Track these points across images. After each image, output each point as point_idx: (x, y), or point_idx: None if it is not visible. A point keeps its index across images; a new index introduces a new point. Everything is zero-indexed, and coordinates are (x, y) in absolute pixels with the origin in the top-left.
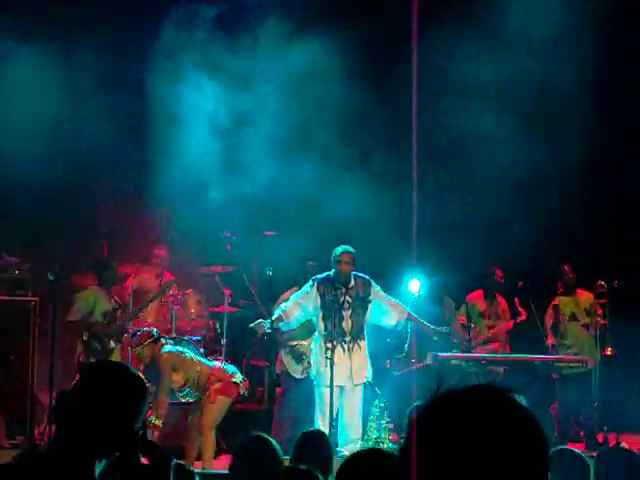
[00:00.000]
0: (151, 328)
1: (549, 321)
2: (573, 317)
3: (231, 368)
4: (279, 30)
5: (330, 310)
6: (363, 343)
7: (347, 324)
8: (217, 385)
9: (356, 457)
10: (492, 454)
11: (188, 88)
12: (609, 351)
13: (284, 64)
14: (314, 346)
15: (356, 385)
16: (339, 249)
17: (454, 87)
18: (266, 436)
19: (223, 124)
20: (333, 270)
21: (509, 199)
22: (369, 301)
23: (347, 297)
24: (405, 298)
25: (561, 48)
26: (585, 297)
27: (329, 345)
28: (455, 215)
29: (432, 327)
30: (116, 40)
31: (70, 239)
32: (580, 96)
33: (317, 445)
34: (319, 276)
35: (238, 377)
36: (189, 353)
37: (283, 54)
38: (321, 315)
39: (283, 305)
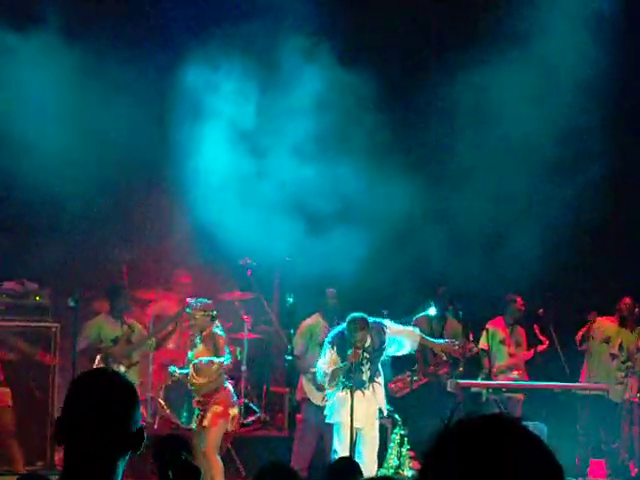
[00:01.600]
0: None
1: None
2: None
3: (234, 398)
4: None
5: (348, 369)
6: (380, 379)
7: (366, 375)
8: (218, 409)
9: None
10: None
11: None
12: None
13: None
14: (333, 391)
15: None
16: (351, 318)
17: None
18: (285, 464)
19: (245, 152)
20: (346, 328)
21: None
22: (385, 348)
23: (365, 354)
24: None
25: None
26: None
27: (349, 393)
28: (479, 241)
29: (440, 343)
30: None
31: (91, 265)
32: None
33: (350, 473)
34: (333, 335)
35: (234, 411)
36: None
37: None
38: (340, 370)
39: (322, 369)
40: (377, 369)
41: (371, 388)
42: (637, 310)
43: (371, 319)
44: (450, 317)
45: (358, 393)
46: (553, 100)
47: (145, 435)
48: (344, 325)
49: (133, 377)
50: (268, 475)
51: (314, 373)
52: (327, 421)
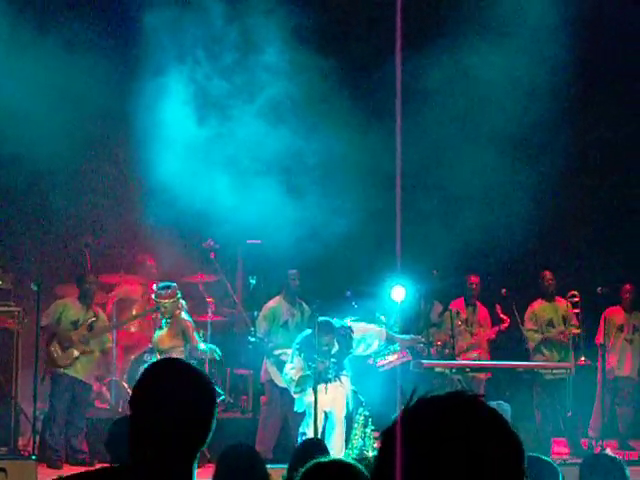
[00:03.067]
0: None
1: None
2: (550, 323)
3: None
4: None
5: (314, 365)
6: (345, 372)
7: (331, 375)
8: None
9: (317, 466)
10: (467, 462)
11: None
12: (582, 361)
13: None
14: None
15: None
16: (317, 323)
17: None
18: (247, 446)
19: (206, 124)
20: (311, 331)
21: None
22: (351, 351)
23: (332, 359)
24: (388, 305)
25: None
26: (562, 305)
27: (314, 387)
28: (439, 220)
29: (407, 338)
30: None
31: (53, 250)
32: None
33: (316, 453)
34: (300, 341)
35: None
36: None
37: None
38: (305, 370)
39: (289, 376)
40: (343, 365)
41: (337, 381)
42: (552, 281)
43: (337, 323)
44: (436, 301)
45: (322, 389)
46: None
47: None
48: (310, 330)
49: (86, 365)
50: (230, 457)
51: (278, 355)
52: (296, 410)
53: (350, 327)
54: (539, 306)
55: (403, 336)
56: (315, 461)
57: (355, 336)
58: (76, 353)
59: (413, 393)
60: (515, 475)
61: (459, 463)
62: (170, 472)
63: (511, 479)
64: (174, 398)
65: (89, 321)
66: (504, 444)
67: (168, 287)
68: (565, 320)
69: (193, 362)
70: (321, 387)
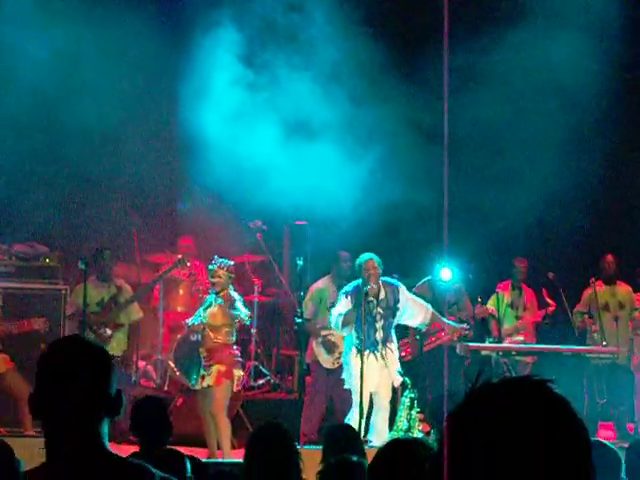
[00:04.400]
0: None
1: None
2: (606, 307)
3: (239, 358)
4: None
5: (362, 322)
6: (393, 345)
7: (379, 334)
8: (221, 368)
9: (394, 444)
10: (535, 448)
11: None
12: None
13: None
14: (346, 351)
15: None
16: (363, 258)
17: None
18: (281, 424)
19: (248, 110)
20: (361, 279)
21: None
22: (398, 308)
23: (379, 309)
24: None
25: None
26: (622, 289)
27: (363, 355)
28: (489, 202)
29: (452, 325)
30: None
31: (101, 229)
32: None
33: (346, 438)
34: (348, 289)
35: (239, 372)
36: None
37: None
38: (354, 326)
39: (336, 313)
40: (390, 333)
41: (385, 352)
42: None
43: (385, 278)
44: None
45: (371, 357)
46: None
47: (124, 399)
48: (360, 280)
49: (121, 340)
50: (263, 435)
51: (325, 336)
52: (345, 387)
53: (399, 285)
54: (597, 289)
55: (450, 322)
56: (393, 438)
57: (402, 296)
58: (109, 332)
59: (479, 375)
60: (583, 467)
61: (526, 451)
62: (73, 445)
63: (579, 470)
64: (67, 379)
65: (115, 296)
66: (572, 431)
67: (226, 262)
68: (623, 305)
69: (233, 336)
70: (368, 358)
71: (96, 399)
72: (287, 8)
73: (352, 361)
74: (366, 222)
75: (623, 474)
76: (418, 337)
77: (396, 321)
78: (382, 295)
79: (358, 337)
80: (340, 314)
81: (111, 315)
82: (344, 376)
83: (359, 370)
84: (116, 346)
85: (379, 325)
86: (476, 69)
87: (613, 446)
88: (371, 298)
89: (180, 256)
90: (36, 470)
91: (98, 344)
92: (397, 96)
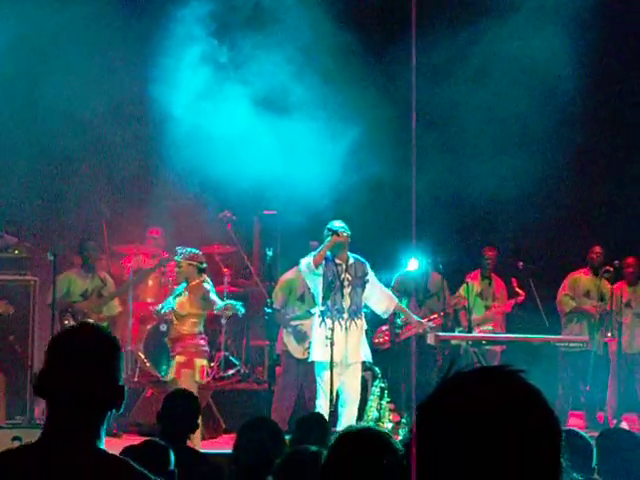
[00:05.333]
0: (203, 257)
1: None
2: (587, 295)
3: (203, 348)
4: None
5: (330, 287)
6: (360, 322)
7: (346, 302)
8: (180, 359)
9: (346, 435)
10: (506, 436)
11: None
12: (609, 337)
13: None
14: (313, 325)
15: (351, 363)
16: (337, 226)
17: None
18: (269, 419)
19: (215, 100)
20: (333, 250)
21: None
22: (367, 280)
23: (347, 275)
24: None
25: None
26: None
27: (328, 323)
28: (457, 191)
29: (417, 319)
30: None
31: (70, 220)
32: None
33: (315, 428)
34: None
35: (201, 362)
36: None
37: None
38: (321, 293)
39: (307, 261)
40: (358, 306)
41: (349, 324)
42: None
43: (353, 254)
44: (433, 271)
45: (337, 327)
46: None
47: (126, 393)
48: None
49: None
50: (252, 429)
51: (295, 326)
52: (310, 359)
53: (367, 264)
54: (581, 275)
55: (416, 317)
56: (348, 427)
57: (370, 274)
58: (91, 322)
59: (451, 366)
60: (553, 453)
61: (497, 439)
62: (75, 435)
63: (550, 457)
64: (78, 362)
65: (98, 289)
66: (543, 420)
67: (189, 251)
68: (602, 297)
69: (198, 327)
70: (332, 326)
71: (103, 387)
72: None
73: (315, 332)
74: (339, 210)
75: (595, 462)
76: (394, 326)
77: (365, 295)
78: (350, 262)
79: (323, 304)
80: (310, 255)
81: (94, 307)
82: (310, 350)
83: (323, 342)
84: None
85: (346, 292)
86: (453, 56)
87: (586, 435)
88: (339, 261)
89: (167, 255)
90: (14, 451)
91: (109, 333)
92: (370, 77)
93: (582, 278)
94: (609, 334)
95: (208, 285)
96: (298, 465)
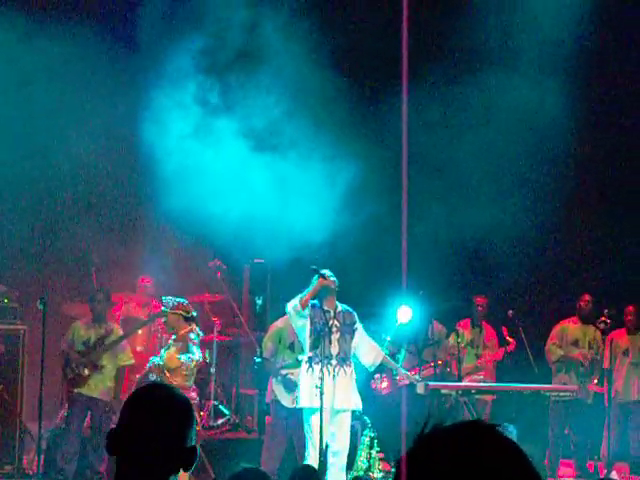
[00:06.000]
0: (190, 306)
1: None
2: (575, 344)
3: (195, 400)
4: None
5: (319, 333)
6: (349, 369)
7: (334, 348)
8: None
9: None
10: None
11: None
12: (594, 385)
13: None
14: (300, 371)
15: (339, 411)
16: (324, 271)
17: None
18: (259, 469)
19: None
20: (320, 296)
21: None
22: (355, 329)
23: (335, 321)
24: (391, 325)
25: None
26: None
27: (316, 369)
28: (447, 238)
29: (404, 372)
30: None
31: (60, 268)
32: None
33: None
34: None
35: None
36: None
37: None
38: (310, 340)
39: (293, 304)
40: (347, 353)
41: (341, 373)
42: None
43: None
44: (436, 320)
45: (325, 374)
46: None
47: (198, 453)
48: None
49: (99, 382)
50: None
51: (284, 375)
52: (298, 406)
53: (355, 316)
54: (569, 324)
55: (403, 370)
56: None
57: (358, 324)
58: (86, 372)
59: (427, 420)
60: None
61: None
62: None
63: None
64: (153, 422)
65: (102, 338)
66: (522, 475)
67: (177, 300)
68: (591, 345)
69: (191, 380)
70: (320, 372)
71: (174, 449)
72: (246, 30)
73: (303, 378)
74: (331, 256)
75: None
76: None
77: (354, 343)
78: (339, 309)
79: (311, 350)
80: (297, 297)
81: (92, 356)
82: (298, 396)
83: (310, 388)
84: (94, 387)
85: (335, 338)
86: (449, 105)
87: None
88: (327, 309)
89: (157, 305)
90: None
91: (183, 394)
92: (363, 121)
93: (570, 327)
94: (595, 381)
95: (194, 336)
96: None
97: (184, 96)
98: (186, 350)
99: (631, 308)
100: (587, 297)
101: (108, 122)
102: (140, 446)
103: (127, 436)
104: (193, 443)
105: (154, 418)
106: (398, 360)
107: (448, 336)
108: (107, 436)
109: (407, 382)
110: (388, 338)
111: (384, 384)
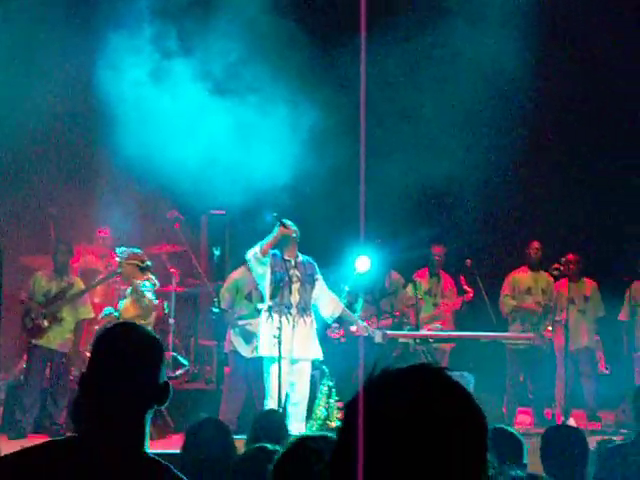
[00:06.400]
0: (144, 255)
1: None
2: (528, 292)
3: None
4: None
5: (279, 283)
6: (309, 319)
7: (294, 298)
8: None
9: (300, 443)
10: (430, 435)
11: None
12: (548, 331)
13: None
14: (260, 320)
15: (299, 360)
16: (288, 223)
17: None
18: (217, 420)
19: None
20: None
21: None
22: (316, 279)
23: (296, 271)
24: (349, 274)
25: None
26: (544, 277)
27: (276, 318)
28: (405, 187)
29: (362, 325)
30: None
31: (18, 219)
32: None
33: (271, 425)
34: (270, 252)
35: None
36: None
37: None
38: (270, 289)
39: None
40: (307, 303)
41: (300, 323)
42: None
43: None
44: (392, 269)
45: (285, 323)
46: None
47: (171, 389)
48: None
49: (58, 334)
50: (199, 430)
51: (242, 326)
52: (257, 355)
53: (316, 267)
54: (520, 274)
55: (361, 322)
56: (300, 435)
57: (319, 274)
58: (46, 323)
59: (375, 365)
60: (478, 449)
61: (422, 436)
62: (122, 433)
63: (474, 453)
64: (125, 361)
65: (64, 291)
66: (467, 417)
67: (130, 251)
68: (545, 292)
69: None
70: (279, 321)
71: (148, 385)
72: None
73: (262, 327)
74: (290, 209)
75: (525, 459)
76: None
77: (314, 294)
78: (300, 259)
79: (271, 299)
80: (258, 244)
81: (52, 307)
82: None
83: (270, 337)
84: (52, 339)
85: (295, 288)
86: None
87: (517, 433)
88: (288, 258)
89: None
90: (57, 443)
91: (151, 331)
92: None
93: (521, 276)
94: (550, 328)
95: (146, 291)
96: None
97: (140, 41)
98: (141, 306)
99: (571, 257)
100: (536, 244)
101: (63, 69)
102: (115, 386)
103: (100, 377)
104: (165, 379)
105: (126, 356)
106: (356, 310)
107: (406, 286)
108: (79, 381)
109: (364, 333)
110: (346, 288)
111: (337, 334)
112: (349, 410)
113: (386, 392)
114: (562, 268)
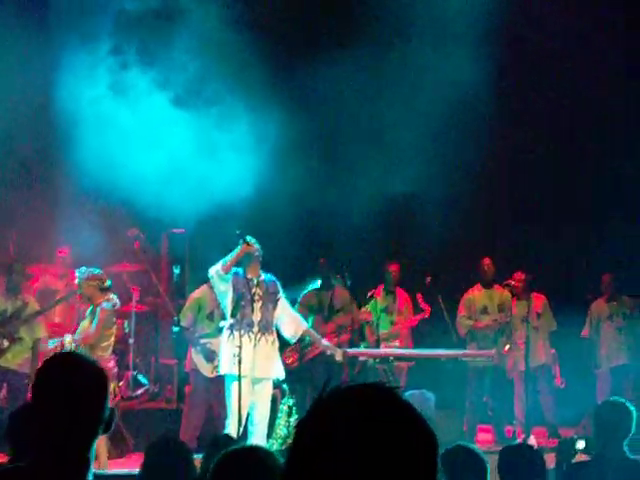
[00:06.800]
0: (104, 276)
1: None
2: (485, 311)
3: (114, 371)
4: None
5: (240, 301)
6: (271, 337)
7: (256, 316)
8: None
9: (230, 454)
10: (379, 455)
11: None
12: (506, 350)
13: None
14: (222, 338)
15: (261, 379)
16: (251, 240)
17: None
18: (176, 438)
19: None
20: (243, 263)
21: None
22: (278, 298)
23: (258, 289)
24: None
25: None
26: (500, 292)
27: (237, 336)
28: (364, 208)
29: (325, 344)
30: None
31: None
32: None
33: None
34: (232, 270)
35: (112, 385)
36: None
37: None
38: (231, 306)
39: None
40: (269, 322)
41: (262, 341)
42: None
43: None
44: (339, 285)
45: (246, 341)
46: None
47: (116, 415)
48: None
49: (18, 354)
50: (159, 449)
51: (204, 344)
52: (219, 373)
53: (279, 286)
54: (475, 293)
55: (325, 342)
56: (229, 449)
57: (281, 293)
58: (5, 343)
59: (326, 383)
60: (427, 469)
61: (371, 455)
62: (70, 462)
63: (422, 473)
64: (69, 395)
65: (18, 310)
66: (415, 437)
67: (90, 271)
68: (501, 309)
69: (107, 351)
70: (241, 339)
71: (93, 414)
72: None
73: (224, 345)
74: (254, 225)
75: (488, 477)
76: (302, 345)
77: (277, 313)
78: (262, 278)
79: (232, 317)
80: (220, 262)
81: (9, 327)
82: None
83: (231, 355)
84: (11, 359)
85: (257, 306)
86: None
87: (480, 452)
88: (250, 277)
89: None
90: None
91: (95, 363)
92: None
93: (475, 295)
94: (507, 347)
95: (106, 306)
96: None
97: (99, 55)
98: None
99: (519, 275)
100: (487, 261)
101: (22, 83)
102: (60, 418)
103: (45, 410)
104: (109, 405)
105: (70, 390)
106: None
107: (354, 302)
108: (22, 408)
109: (316, 353)
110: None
111: (290, 359)
112: (298, 429)
113: (333, 412)
114: (513, 283)
